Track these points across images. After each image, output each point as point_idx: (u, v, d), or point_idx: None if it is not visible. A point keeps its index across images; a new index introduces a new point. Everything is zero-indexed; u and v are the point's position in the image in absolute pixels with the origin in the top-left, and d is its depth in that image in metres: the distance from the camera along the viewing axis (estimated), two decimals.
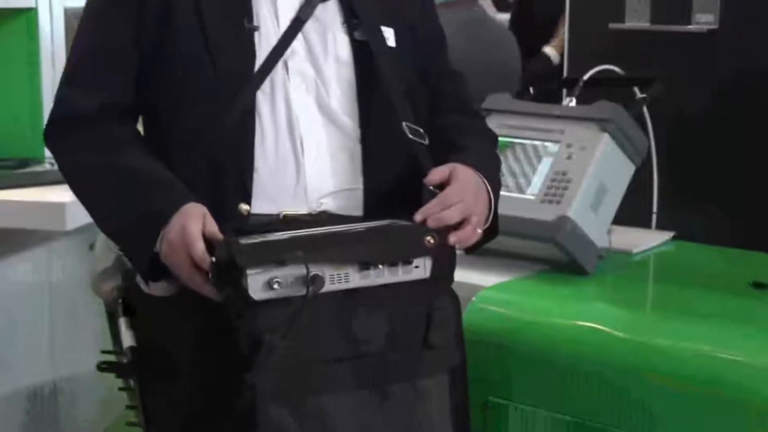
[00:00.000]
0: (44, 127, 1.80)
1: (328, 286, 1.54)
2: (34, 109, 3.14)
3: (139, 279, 1.79)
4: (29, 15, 3.12)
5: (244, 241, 1.57)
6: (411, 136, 1.75)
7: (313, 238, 1.62)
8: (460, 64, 3.18)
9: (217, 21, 1.74)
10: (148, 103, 1.78)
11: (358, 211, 1.78)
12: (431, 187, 1.70)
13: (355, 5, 1.82)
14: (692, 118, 2.84)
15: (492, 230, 1.78)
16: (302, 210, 1.74)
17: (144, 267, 1.69)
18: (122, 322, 1.85)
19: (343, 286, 1.56)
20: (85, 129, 1.76)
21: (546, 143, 2.24)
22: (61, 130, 1.79)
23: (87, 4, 1.83)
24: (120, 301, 1.87)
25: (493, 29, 3.61)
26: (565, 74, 3.13)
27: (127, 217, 1.70)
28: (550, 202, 2.14)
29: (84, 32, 1.82)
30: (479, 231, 1.71)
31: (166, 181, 1.70)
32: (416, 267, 1.60)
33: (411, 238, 1.61)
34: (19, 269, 3.11)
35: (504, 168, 2.11)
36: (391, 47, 1.83)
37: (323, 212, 1.75)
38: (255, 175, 1.72)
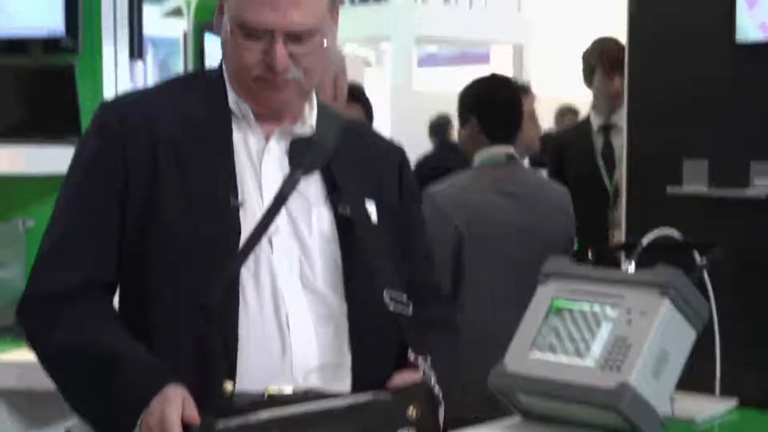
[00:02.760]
0: (17, 304, 1.78)
1: None
2: None
3: None
4: None
5: (222, 424, 1.56)
6: (394, 310, 1.75)
7: (293, 419, 1.61)
8: (509, 225, 3.20)
9: (201, 196, 1.75)
10: (130, 277, 1.78)
11: (346, 385, 1.76)
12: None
13: (338, 180, 1.83)
14: (753, 282, 2.80)
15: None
16: (288, 386, 1.72)
17: None
18: None
19: None
20: (62, 306, 1.74)
21: (606, 308, 2.22)
22: (36, 308, 1.77)
23: (68, 174, 1.84)
24: None
25: (545, 189, 3.61)
26: (623, 238, 3.12)
27: (105, 402, 1.67)
28: (611, 368, 2.10)
29: (64, 205, 1.82)
30: None
31: (145, 362, 1.68)
32: None
33: (394, 411, 1.62)
34: None
35: (562, 333, 2.09)
36: (373, 222, 1.84)
37: (309, 390, 1.73)
38: (239, 352, 1.71)
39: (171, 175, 1.75)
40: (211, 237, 1.73)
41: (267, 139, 1.84)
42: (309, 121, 1.88)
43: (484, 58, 17.28)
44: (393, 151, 2.01)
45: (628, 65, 3.36)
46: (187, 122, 1.80)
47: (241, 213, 1.76)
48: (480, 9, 15.93)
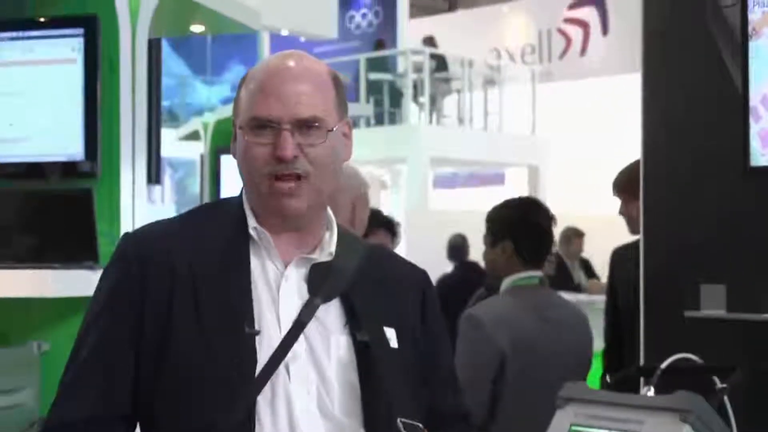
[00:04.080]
0: None
1: None
2: None
3: None
4: None
5: None
6: None
7: None
8: (548, 351, 3.19)
9: (217, 325, 1.76)
10: (145, 407, 1.78)
11: None
12: None
13: (357, 307, 1.84)
14: None
15: None
16: None
17: None
18: None
19: None
20: None
21: None
22: None
23: (91, 301, 1.87)
24: None
25: (572, 312, 3.61)
26: (641, 362, 3.10)
27: None
28: None
29: (84, 335, 1.84)
30: None
31: None
32: None
33: None
34: None
35: None
36: (393, 348, 1.84)
37: None
38: None
39: (186, 306, 1.77)
40: (227, 365, 1.73)
41: (286, 265, 1.85)
42: (328, 248, 1.89)
43: (499, 179, 17.43)
44: (415, 276, 2.01)
45: (643, 190, 3.39)
46: (205, 252, 1.82)
47: (257, 340, 1.76)
48: (494, 131, 16.13)
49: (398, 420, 1.74)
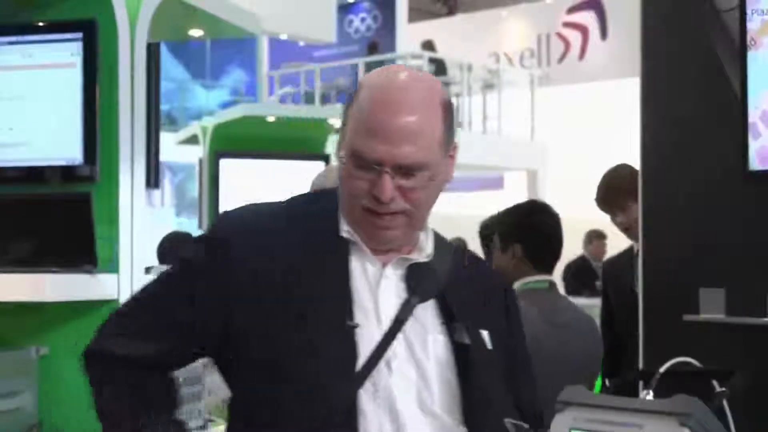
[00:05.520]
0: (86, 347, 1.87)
1: None
2: None
3: None
4: (111, 306, 3.19)
5: None
6: None
7: None
8: (560, 357, 3.19)
9: (315, 319, 1.78)
10: (241, 397, 1.82)
11: None
12: None
13: (453, 308, 1.87)
14: None
15: None
16: None
17: None
18: None
19: None
20: (117, 369, 1.82)
21: None
22: (94, 361, 1.86)
23: (169, 269, 1.91)
24: None
25: (574, 315, 3.61)
26: (640, 366, 3.10)
27: None
28: None
29: (146, 287, 1.90)
30: None
31: None
32: None
33: None
34: None
35: None
36: (489, 350, 1.88)
37: None
38: None
39: (279, 297, 1.79)
40: (327, 357, 1.76)
41: (383, 265, 1.89)
42: (426, 250, 1.92)
43: (498, 183, 17.44)
44: (497, 278, 2.10)
45: (642, 194, 3.39)
46: (301, 245, 1.85)
47: (357, 335, 1.79)
48: (493, 135, 16.14)
49: (506, 420, 1.77)
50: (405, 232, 1.88)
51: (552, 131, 16.35)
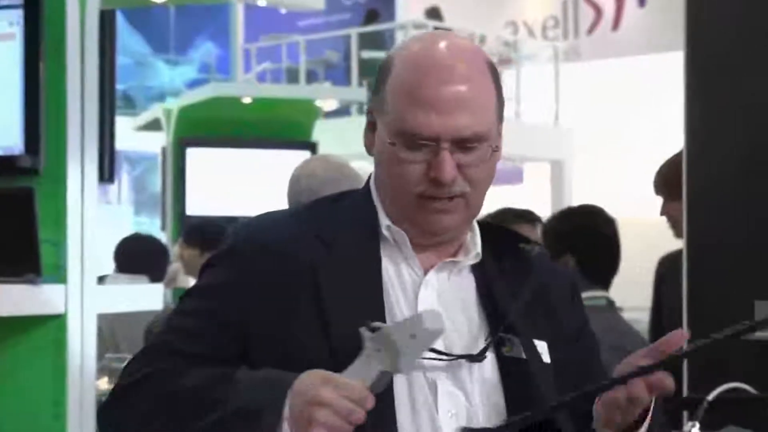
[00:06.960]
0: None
1: None
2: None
3: None
4: (58, 323, 3.20)
5: None
6: None
7: None
8: None
9: (343, 326, 1.82)
10: None
11: None
12: None
13: (506, 317, 1.90)
14: None
15: None
16: None
17: None
18: None
19: None
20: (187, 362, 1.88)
21: None
22: (162, 357, 1.90)
23: (193, 288, 1.98)
24: None
25: (632, 339, 3.60)
26: (684, 392, 3.11)
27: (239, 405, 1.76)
28: None
29: (197, 299, 1.96)
30: None
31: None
32: None
33: None
34: None
35: None
36: (545, 363, 1.90)
37: None
38: None
39: (308, 306, 1.85)
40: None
41: (424, 269, 1.91)
42: (474, 249, 1.95)
43: (517, 177, 17.44)
44: (564, 274, 2.14)
45: (686, 191, 3.37)
46: (329, 250, 1.89)
47: None
48: (511, 119, 16.15)
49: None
50: (463, 219, 1.92)
51: (580, 115, 16.36)
